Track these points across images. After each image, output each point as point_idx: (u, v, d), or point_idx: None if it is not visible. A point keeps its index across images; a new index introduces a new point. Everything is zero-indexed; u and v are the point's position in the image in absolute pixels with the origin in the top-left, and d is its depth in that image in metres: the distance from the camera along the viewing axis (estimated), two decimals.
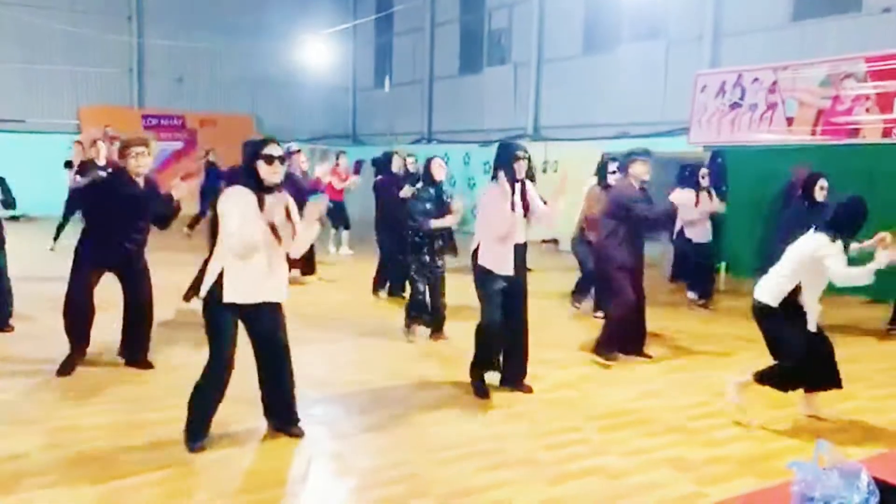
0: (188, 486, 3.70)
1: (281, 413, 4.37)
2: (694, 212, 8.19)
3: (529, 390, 5.29)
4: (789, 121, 10.69)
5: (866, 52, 9.76)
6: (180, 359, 5.84)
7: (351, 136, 22.47)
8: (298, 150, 9.52)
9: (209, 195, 13.65)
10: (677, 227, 8.61)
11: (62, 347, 5.45)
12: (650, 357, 6.31)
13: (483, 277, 5.15)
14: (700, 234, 8.60)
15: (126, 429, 4.41)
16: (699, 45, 12.60)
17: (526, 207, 5.14)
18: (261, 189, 3.95)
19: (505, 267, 5.07)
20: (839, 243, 4.56)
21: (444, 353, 6.24)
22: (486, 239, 5.13)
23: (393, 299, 8.56)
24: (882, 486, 2.00)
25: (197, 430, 4.12)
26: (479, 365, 5.29)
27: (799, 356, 4.66)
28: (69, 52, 18.23)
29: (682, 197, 7.87)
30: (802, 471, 2.38)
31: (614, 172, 7.22)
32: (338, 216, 12.25)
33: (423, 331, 6.78)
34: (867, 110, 9.69)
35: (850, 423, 4.91)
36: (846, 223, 4.61)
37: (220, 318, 4.00)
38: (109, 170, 9.02)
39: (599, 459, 4.17)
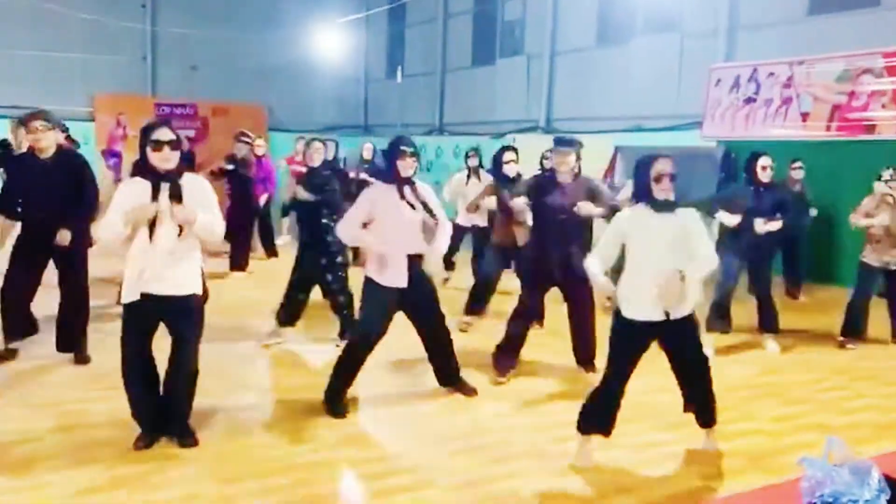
0: (197, 472, 3.73)
1: (169, 419, 4.08)
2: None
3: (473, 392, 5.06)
4: (804, 116, 10.60)
5: (884, 47, 9.65)
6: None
7: (363, 127, 22.45)
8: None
9: None
10: None
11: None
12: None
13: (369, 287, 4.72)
14: None
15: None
16: (714, 38, 12.49)
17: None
18: (154, 177, 3.79)
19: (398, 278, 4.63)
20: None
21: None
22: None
23: None
24: (893, 484, 1.99)
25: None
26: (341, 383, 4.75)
27: None
28: (84, 40, 18.28)
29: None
30: (812, 467, 2.37)
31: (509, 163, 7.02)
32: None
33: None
34: (883, 106, 9.59)
35: (861, 421, 4.89)
36: None
37: (127, 313, 3.91)
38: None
39: (607, 452, 4.16)
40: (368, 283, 4.65)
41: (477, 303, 7.05)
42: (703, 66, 12.16)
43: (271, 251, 10.28)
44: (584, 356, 5.54)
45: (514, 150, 7.19)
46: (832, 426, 4.70)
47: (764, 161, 6.29)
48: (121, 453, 3.90)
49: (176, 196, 3.78)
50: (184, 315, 3.96)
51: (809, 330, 7.35)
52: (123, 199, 3.80)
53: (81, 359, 5.39)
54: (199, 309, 4.06)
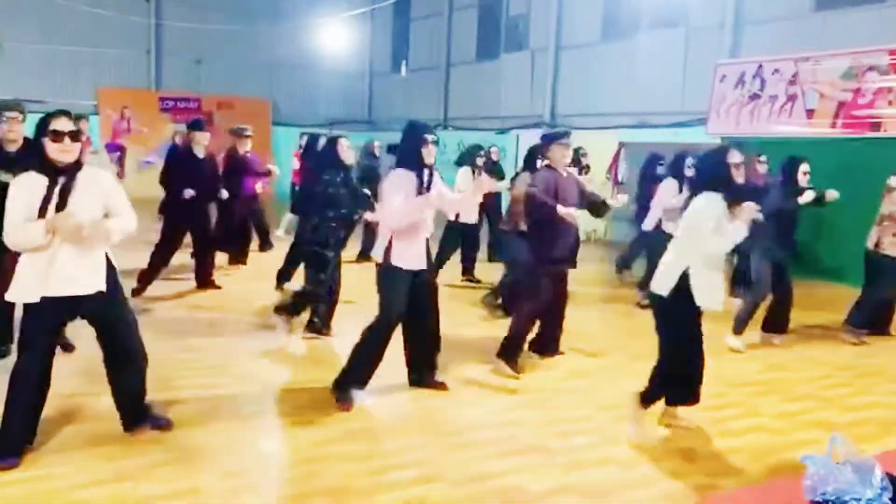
0: (201, 466, 3.74)
1: (133, 415, 4.04)
2: (671, 202, 7.61)
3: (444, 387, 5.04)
4: (809, 113, 10.58)
5: (890, 44, 9.62)
6: (193, 343, 5.90)
7: (367, 122, 22.44)
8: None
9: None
10: (654, 219, 7.89)
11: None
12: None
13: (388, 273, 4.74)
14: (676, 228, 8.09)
15: None
16: (719, 34, 12.47)
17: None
18: (52, 170, 3.51)
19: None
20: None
21: (453, 340, 6.24)
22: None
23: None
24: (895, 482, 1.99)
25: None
26: (363, 368, 4.79)
27: None
28: (88, 33, 18.30)
29: (666, 187, 7.66)
30: (815, 465, 2.38)
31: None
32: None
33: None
34: (889, 103, 9.57)
35: (865, 418, 4.89)
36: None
37: (29, 319, 3.63)
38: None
39: (611, 448, 4.18)
40: (388, 268, 4.65)
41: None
42: (708, 62, 12.14)
43: (266, 245, 10.00)
44: (552, 344, 5.87)
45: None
46: (836, 423, 4.70)
47: (805, 167, 6.51)
48: (126, 446, 3.91)
49: (65, 198, 3.50)
50: (108, 311, 3.78)
51: (813, 326, 7.35)
52: (17, 194, 3.49)
53: (66, 346, 5.31)
54: (119, 301, 3.85)
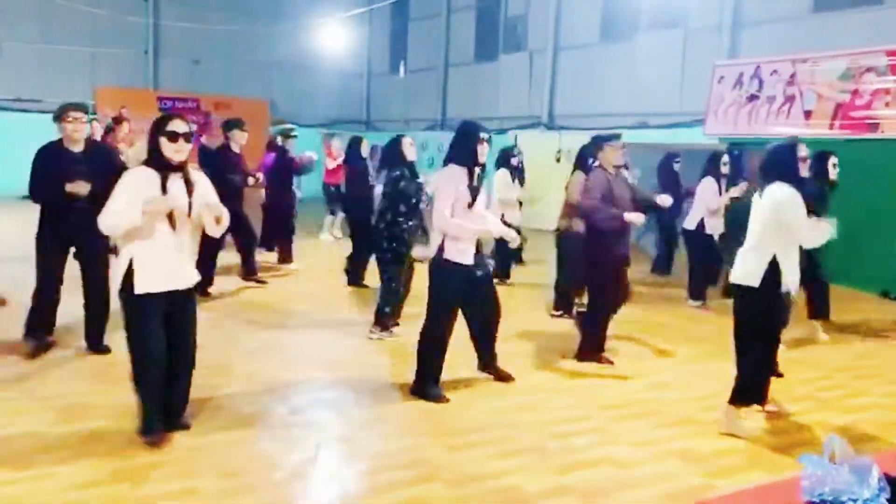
0: (197, 467, 3.73)
1: (171, 412, 4.08)
2: (716, 202, 7.77)
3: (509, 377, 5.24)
4: (807, 114, 10.58)
5: (888, 45, 9.63)
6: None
7: (365, 122, 22.43)
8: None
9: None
10: (696, 218, 7.93)
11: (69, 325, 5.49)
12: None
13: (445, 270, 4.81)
14: (718, 227, 8.02)
15: (135, 409, 4.43)
16: (718, 35, 12.48)
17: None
18: (165, 168, 3.76)
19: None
20: None
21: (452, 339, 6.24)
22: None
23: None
24: (893, 483, 1.99)
25: None
26: (429, 371, 4.95)
27: None
28: (86, 33, 18.28)
29: (706, 187, 7.75)
30: (812, 465, 2.37)
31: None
32: (333, 200, 12.05)
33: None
34: (887, 104, 9.57)
35: (862, 420, 4.89)
36: None
37: (136, 310, 3.80)
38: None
39: (609, 449, 4.18)
40: (446, 264, 4.70)
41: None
42: (706, 63, 12.15)
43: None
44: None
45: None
46: (833, 425, 4.70)
47: (834, 160, 6.78)
48: (122, 447, 3.90)
49: (190, 189, 3.81)
50: (190, 308, 3.97)
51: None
52: (129, 188, 3.71)
53: (106, 348, 5.37)
54: (195, 299, 4.08)
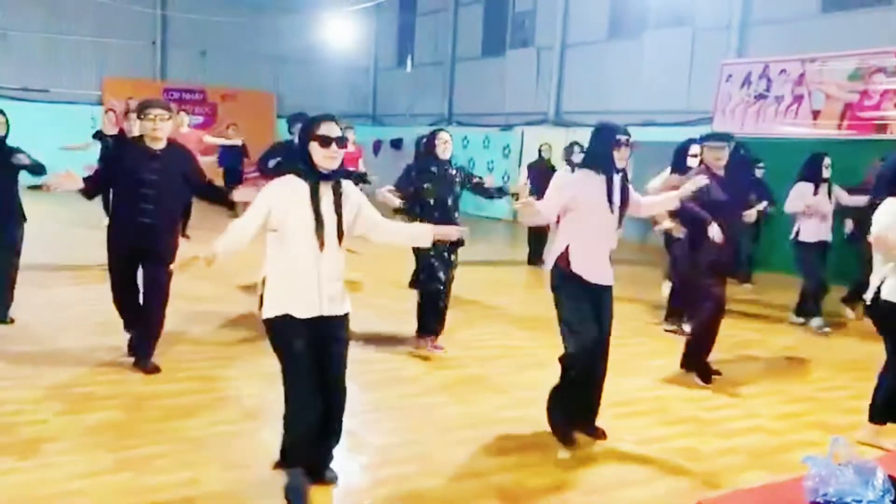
0: (200, 457, 3.74)
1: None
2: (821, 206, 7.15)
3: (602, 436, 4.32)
4: (815, 114, 10.55)
5: None
6: (198, 334, 5.90)
7: (371, 116, 22.42)
8: None
9: (230, 174, 13.77)
10: (795, 227, 7.32)
11: (74, 318, 5.50)
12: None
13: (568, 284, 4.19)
14: (818, 232, 7.23)
15: (140, 400, 4.47)
16: (726, 33, 12.43)
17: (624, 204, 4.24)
18: (315, 177, 3.24)
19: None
20: None
21: (457, 335, 6.24)
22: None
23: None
24: None
25: None
26: (568, 407, 4.24)
27: None
28: (94, 23, 18.28)
29: (801, 191, 7.13)
30: (817, 466, 2.37)
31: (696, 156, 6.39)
32: None
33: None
34: None
35: (865, 421, 4.87)
36: None
37: (292, 335, 3.28)
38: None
39: (611, 446, 4.17)
40: (563, 275, 4.15)
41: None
42: (714, 62, 12.11)
43: None
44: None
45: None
46: (835, 425, 4.69)
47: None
48: (126, 437, 3.92)
49: (339, 204, 3.27)
50: (341, 336, 3.43)
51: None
52: (273, 200, 3.23)
53: (153, 368, 4.93)
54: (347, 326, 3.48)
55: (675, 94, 12.95)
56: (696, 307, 5.61)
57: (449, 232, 3.90)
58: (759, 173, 9.03)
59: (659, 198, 4.86)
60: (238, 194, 4.83)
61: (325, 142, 3.20)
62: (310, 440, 3.36)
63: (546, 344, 5.42)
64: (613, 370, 5.57)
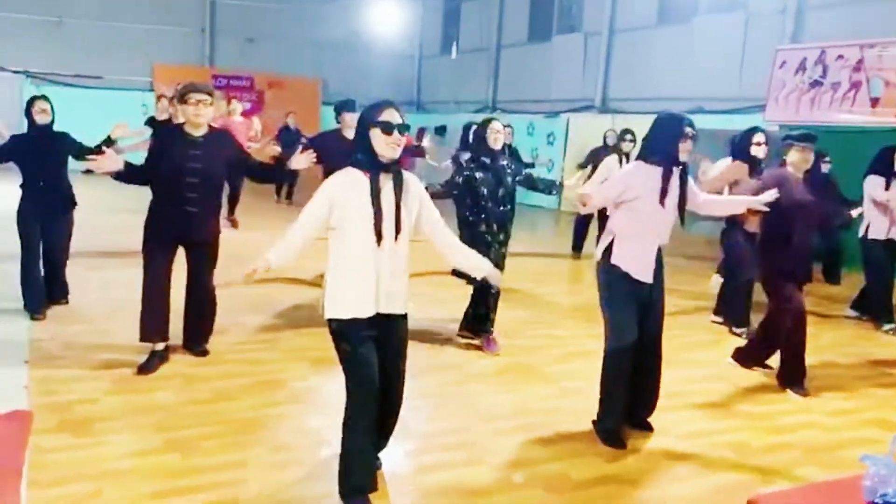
0: (248, 440, 3.79)
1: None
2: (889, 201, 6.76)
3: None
4: (874, 101, 10.18)
5: None
6: (246, 318, 5.97)
7: (415, 103, 22.40)
8: None
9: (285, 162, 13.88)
10: (866, 223, 6.94)
11: (125, 299, 5.59)
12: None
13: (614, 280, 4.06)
14: (888, 229, 6.85)
15: (188, 381, 4.54)
16: (781, 18, 12.06)
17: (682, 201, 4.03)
18: (376, 167, 3.11)
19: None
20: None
21: (502, 324, 6.20)
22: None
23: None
24: None
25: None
26: (610, 401, 4.10)
27: None
28: (145, 10, 18.58)
29: (874, 183, 6.79)
30: (876, 465, 2.29)
31: (760, 145, 6.16)
32: None
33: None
34: None
35: None
36: None
37: (355, 334, 3.17)
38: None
39: (658, 439, 4.10)
40: (609, 270, 4.02)
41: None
42: (767, 48, 11.77)
43: None
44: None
45: (765, 132, 6.35)
46: (893, 423, 4.54)
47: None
48: (174, 418, 3.98)
49: (399, 197, 3.12)
50: (400, 336, 3.32)
51: (867, 321, 7.12)
52: (334, 193, 3.12)
53: (202, 352, 5.03)
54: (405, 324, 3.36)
55: (726, 81, 12.64)
56: (771, 313, 5.27)
57: (495, 277, 3.59)
58: (825, 168, 8.48)
59: (722, 199, 4.55)
60: (295, 161, 4.74)
61: (388, 128, 3.07)
62: (367, 449, 3.23)
63: (592, 334, 5.35)
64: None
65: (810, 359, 5.88)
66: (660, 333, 4.14)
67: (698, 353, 5.85)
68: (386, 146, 3.08)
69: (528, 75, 17.76)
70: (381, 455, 3.55)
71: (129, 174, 4.60)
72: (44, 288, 5.74)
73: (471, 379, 4.96)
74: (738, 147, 6.33)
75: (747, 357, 5.51)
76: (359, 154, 3.12)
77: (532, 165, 10.64)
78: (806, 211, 4.98)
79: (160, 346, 4.80)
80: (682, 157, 3.92)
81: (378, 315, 3.16)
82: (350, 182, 3.10)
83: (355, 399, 3.17)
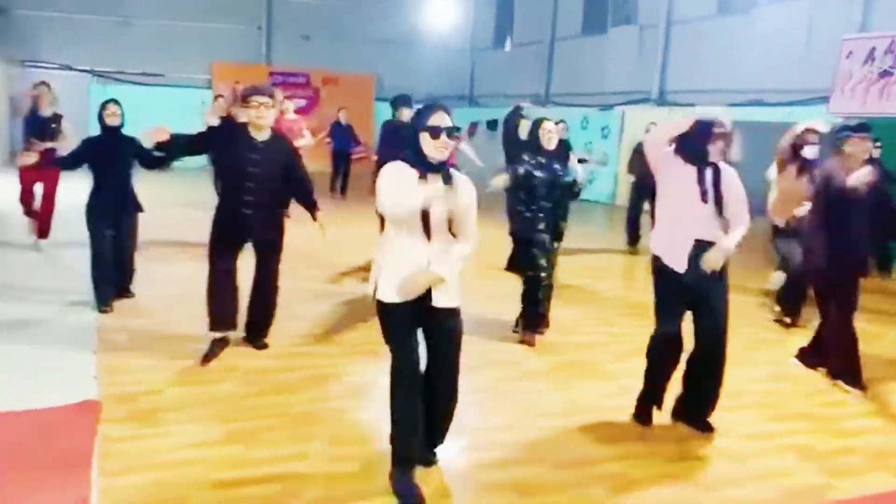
0: (307, 433, 3.84)
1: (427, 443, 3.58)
2: None
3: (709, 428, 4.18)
4: None
5: None
6: (305, 312, 6.05)
7: (467, 98, 22.36)
8: None
9: (339, 157, 14.12)
10: None
11: (189, 293, 5.72)
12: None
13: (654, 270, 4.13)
14: None
15: (249, 374, 4.63)
16: (847, 6, 11.64)
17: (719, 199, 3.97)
18: (425, 167, 3.22)
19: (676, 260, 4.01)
20: None
21: (557, 320, 6.15)
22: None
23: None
24: None
25: None
26: (648, 389, 4.26)
27: None
28: (203, 9, 18.97)
29: None
30: None
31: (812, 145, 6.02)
32: None
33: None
34: None
35: None
36: None
37: (388, 320, 3.33)
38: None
39: (721, 440, 4.02)
40: (654, 261, 4.11)
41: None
42: (832, 38, 11.38)
43: None
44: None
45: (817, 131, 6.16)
46: None
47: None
48: (236, 410, 4.06)
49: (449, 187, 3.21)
50: (451, 327, 3.38)
51: None
52: (391, 175, 3.24)
53: (262, 345, 5.13)
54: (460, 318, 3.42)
55: (787, 72, 12.27)
56: (829, 308, 5.14)
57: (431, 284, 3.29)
58: (875, 153, 8.32)
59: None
60: (320, 216, 4.93)
61: (436, 132, 3.19)
62: (412, 424, 3.35)
63: (649, 331, 5.27)
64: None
65: (877, 361, 5.68)
66: (719, 334, 4.04)
67: (762, 352, 5.71)
68: (434, 148, 3.21)
69: (582, 68, 17.56)
70: (437, 451, 3.59)
71: (167, 145, 4.79)
72: (112, 282, 5.94)
73: (526, 375, 4.94)
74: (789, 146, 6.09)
75: (811, 357, 5.35)
76: (409, 151, 3.25)
77: (585, 161, 10.46)
78: (860, 202, 4.86)
79: (221, 334, 4.94)
80: (713, 158, 3.95)
81: (426, 306, 3.26)
82: (401, 177, 3.22)
83: (395, 381, 3.33)
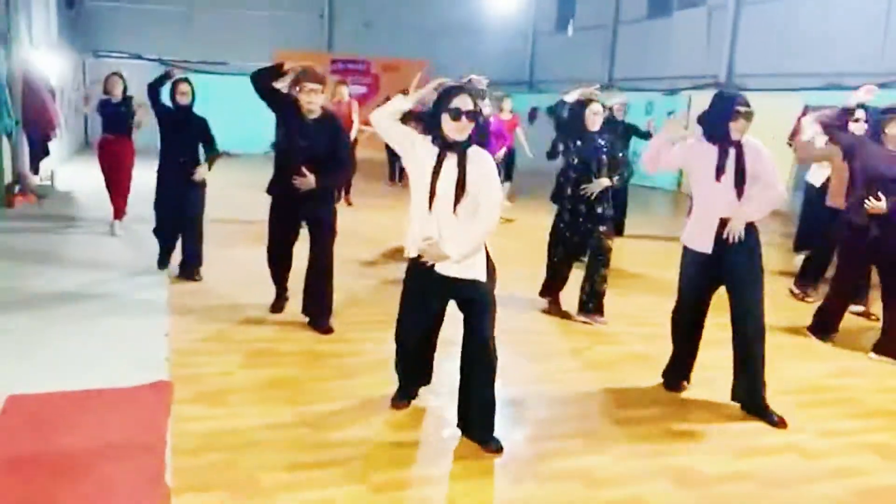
0: (372, 417, 3.87)
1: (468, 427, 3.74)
2: None
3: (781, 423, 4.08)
4: None
5: None
6: (367, 297, 6.11)
7: (527, 83, 22.14)
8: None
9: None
10: None
11: (256, 274, 5.83)
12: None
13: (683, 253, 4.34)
14: None
15: (315, 358, 4.70)
16: None
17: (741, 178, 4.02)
18: (444, 145, 3.39)
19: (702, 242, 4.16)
20: None
21: (621, 310, 6.06)
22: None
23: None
24: None
25: None
26: (673, 355, 4.53)
27: None
28: None
29: None
30: None
31: (858, 121, 6.13)
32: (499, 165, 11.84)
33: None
34: None
35: None
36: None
37: (408, 271, 3.73)
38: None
39: (794, 436, 3.90)
40: (684, 245, 4.30)
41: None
42: None
43: None
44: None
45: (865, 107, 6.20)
46: None
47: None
48: (302, 393, 4.13)
49: (463, 172, 3.37)
50: (473, 297, 3.55)
51: None
52: (417, 142, 3.48)
53: (328, 329, 5.16)
54: (489, 290, 3.58)
55: (867, 53, 11.76)
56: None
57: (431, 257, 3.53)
58: None
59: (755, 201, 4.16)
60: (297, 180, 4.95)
61: (456, 115, 3.33)
62: (412, 360, 3.98)
63: (720, 322, 5.14)
64: (792, 354, 5.25)
65: None
66: (754, 309, 4.09)
67: (834, 345, 5.52)
68: (453, 130, 3.36)
69: (647, 52, 17.20)
70: (499, 437, 3.61)
71: (273, 81, 4.99)
72: (172, 243, 6.44)
73: (588, 366, 4.88)
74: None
75: (889, 348, 5.21)
76: (431, 130, 3.44)
77: (649, 135, 9.94)
78: (888, 184, 5.07)
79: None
80: (735, 136, 3.99)
81: (450, 278, 3.50)
82: (424, 151, 3.45)
83: (400, 326, 3.88)
